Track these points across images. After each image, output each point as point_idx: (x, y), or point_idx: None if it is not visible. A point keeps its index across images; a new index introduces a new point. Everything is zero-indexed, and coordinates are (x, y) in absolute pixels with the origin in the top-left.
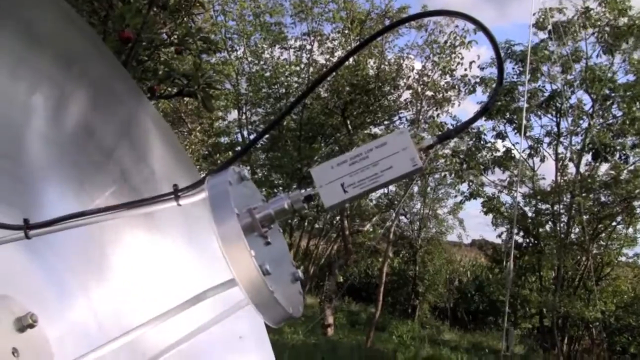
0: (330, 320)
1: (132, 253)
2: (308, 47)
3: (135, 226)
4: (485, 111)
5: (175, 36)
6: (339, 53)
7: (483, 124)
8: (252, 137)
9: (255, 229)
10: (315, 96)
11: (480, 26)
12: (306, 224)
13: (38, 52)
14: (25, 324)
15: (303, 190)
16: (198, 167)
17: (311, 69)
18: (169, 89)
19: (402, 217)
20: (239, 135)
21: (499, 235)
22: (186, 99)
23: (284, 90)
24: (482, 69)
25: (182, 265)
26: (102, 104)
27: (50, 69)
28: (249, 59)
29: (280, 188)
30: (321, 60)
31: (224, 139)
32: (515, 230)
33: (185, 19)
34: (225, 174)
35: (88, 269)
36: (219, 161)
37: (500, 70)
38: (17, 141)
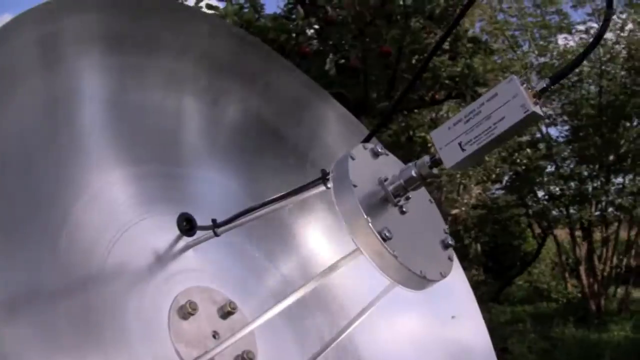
0: None
1: (312, 225)
2: (595, 26)
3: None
4: (600, 39)
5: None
6: (629, 27)
7: None
8: (550, 130)
9: (388, 199)
10: (610, 77)
11: None
12: None
13: (220, 75)
14: (225, 311)
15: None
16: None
17: (601, 50)
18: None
19: None
20: (538, 132)
21: None
22: None
23: (576, 79)
24: None
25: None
26: (287, 110)
27: (234, 86)
28: (535, 52)
29: (589, 180)
30: (610, 36)
31: (525, 138)
32: None
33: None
34: (348, 152)
35: (276, 249)
36: (517, 160)
37: None
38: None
